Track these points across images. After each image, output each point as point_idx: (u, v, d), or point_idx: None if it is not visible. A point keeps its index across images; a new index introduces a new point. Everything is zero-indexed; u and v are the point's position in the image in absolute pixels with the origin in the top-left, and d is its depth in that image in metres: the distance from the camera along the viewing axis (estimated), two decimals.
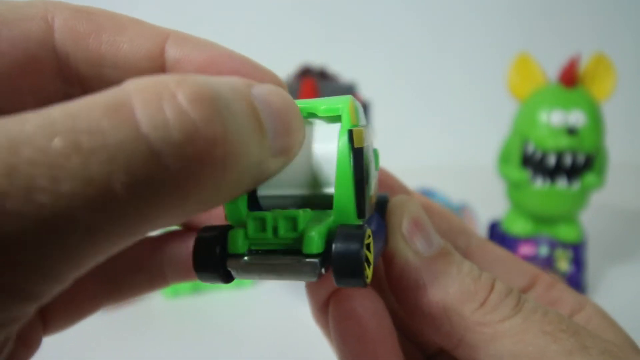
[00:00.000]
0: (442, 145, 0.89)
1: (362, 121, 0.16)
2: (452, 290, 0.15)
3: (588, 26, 0.92)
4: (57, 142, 0.09)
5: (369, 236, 0.14)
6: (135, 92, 0.10)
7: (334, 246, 0.13)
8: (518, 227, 0.50)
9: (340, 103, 0.15)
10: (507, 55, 0.52)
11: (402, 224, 0.16)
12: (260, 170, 0.12)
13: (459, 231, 0.19)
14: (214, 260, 0.14)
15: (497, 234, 0.51)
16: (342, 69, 0.58)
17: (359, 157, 0.14)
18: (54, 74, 0.15)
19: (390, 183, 0.19)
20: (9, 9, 0.14)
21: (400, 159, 0.53)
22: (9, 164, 0.08)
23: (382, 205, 0.18)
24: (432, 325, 0.15)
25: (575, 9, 0.93)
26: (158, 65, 0.15)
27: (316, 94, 0.49)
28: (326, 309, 0.18)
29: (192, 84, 0.10)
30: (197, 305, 0.47)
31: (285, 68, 0.57)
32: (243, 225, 0.14)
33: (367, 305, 0.16)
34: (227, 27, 0.93)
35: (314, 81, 0.50)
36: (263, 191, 0.15)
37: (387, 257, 0.16)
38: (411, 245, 0.16)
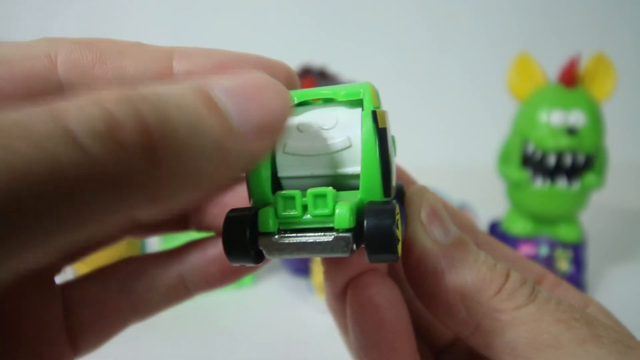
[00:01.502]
0: (442, 145, 0.89)
1: (382, 104, 0.16)
2: (469, 278, 0.15)
3: (588, 26, 0.92)
4: None
5: (398, 212, 0.14)
6: (68, 99, 0.10)
7: (365, 221, 0.13)
8: (518, 227, 0.50)
9: (360, 87, 0.15)
10: (507, 55, 0.52)
11: (421, 212, 0.16)
12: (226, 160, 0.11)
13: (467, 227, 0.19)
14: (245, 240, 0.13)
15: (497, 234, 0.51)
16: (342, 69, 0.58)
17: (383, 137, 0.14)
18: None
19: (402, 177, 0.20)
20: (13, 49, 0.14)
21: (400, 158, 0.53)
22: None
23: (399, 194, 0.18)
24: (449, 312, 0.16)
25: (575, 9, 0.93)
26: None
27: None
28: (343, 297, 0.18)
29: (123, 90, 0.10)
30: (197, 305, 0.47)
31: None
32: (270, 206, 0.14)
33: (385, 293, 0.17)
34: (227, 27, 0.93)
35: (314, 81, 0.50)
36: (284, 172, 0.15)
37: (405, 245, 0.17)
38: (429, 233, 0.16)
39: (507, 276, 0.16)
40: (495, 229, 0.52)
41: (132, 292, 0.19)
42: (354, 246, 0.13)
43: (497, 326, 0.15)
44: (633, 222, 0.67)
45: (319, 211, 0.13)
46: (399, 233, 0.14)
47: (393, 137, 0.17)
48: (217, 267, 0.19)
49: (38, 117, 0.09)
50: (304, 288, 0.49)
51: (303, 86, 0.52)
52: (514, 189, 0.50)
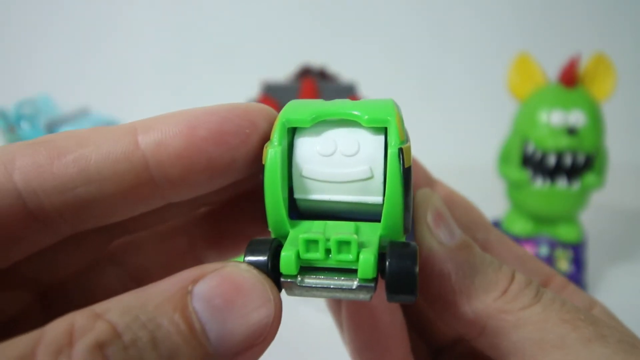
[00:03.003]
0: (442, 145, 0.89)
1: (405, 129, 0.16)
2: (475, 280, 0.16)
3: (588, 26, 0.92)
4: None
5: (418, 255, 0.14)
6: (42, 346, 0.10)
7: (388, 265, 0.13)
8: (518, 227, 0.50)
9: (386, 113, 0.14)
10: (507, 55, 0.52)
11: (428, 215, 0.16)
12: None
13: (479, 224, 0.20)
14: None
15: None
16: (342, 69, 0.58)
17: (407, 177, 0.14)
18: (27, 218, 0.13)
19: (414, 170, 0.20)
20: None
21: None
22: None
23: None
24: (455, 314, 0.16)
25: (575, 9, 0.93)
26: (137, 160, 0.14)
27: (316, 94, 0.49)
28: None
29: (95, 331, 0.10)
30: None
31: (285, 68, 0.57)
32: (291, 241, 0.14)
33: (380, 297, 0.17)
34: (227, 28, 0.93)
35: (314, 81, 0.50)
36: (300, 195, 0.15)
37: None
38: (436, 236, 0.16)
39: (512, 278, 0.16)
40: None
41: None
42: (376, 289, 0.14)
43: (504, 327, 0.15)
44: (633, 222, 0.67)
45: (343, 257, 0.13)
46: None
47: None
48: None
49: None
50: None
51: (303, 86, 0.52)
52: (514, 189, 0.50)
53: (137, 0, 0.92)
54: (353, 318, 0.18)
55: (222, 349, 0.12)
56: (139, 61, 0.94)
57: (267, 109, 0.15)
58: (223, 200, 0.18)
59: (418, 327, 0.21)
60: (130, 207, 0.14)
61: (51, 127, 0.60)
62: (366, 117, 0.14)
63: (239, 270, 0.13)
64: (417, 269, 0.13)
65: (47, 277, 0.16)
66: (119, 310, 0.11)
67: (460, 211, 0.19)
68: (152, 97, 0.94)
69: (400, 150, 0.14)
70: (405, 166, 0.14)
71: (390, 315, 0.18)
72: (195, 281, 0.12)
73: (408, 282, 0.13)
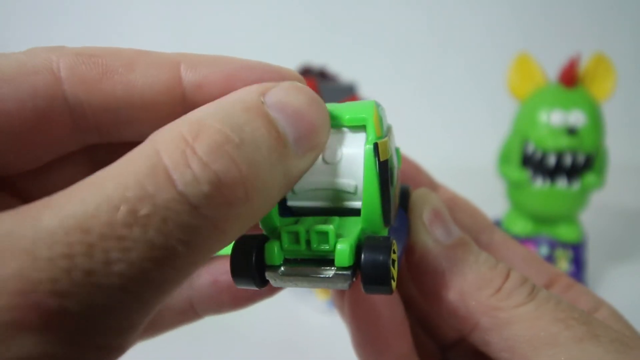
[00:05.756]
0: (442, 145, 0.89)
1: (385, 125, 0.16)
2: (469, 277, 0.16)
3: (588, 26, 0.92)
4: (119, 215, 0.10)
5: (394, 250, 0.14)
6: (163, 151, 0.11)
7: (363, 257, 0.14)
8: (518, 227, 0.50)
9: (364, 112, 0.15)
10: (507, 55, 0.52)
11: (423, 213, 0.17)
12: (288, 178, 0.13)
13: (483, 226, 0.20)
14: (251, 270, 0.15)
15: None
16: (342, 69, 0.58)
17: (384, 170, 0.14)
18: (69, 125, 0.14)
19: (415, 175, 0.20)
20: (11, 63, 0.13)
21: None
22: (87, 243, 0.10)
23: (404, 197, 0.18)
24: (449, 309, 0.16)
25: (575, 9, 0.93)
26: (177, 95, 0.14)
27: (316, 94, 0.49)
28: (343, 293, 0.19)
29: (207, 134, 0.11)
30: None
31: None
32: (276, 234, 0.15)
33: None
34: (227, 28, 0.93)
35: (314, 81, 0.50)
36: (292, 202, 0.16)
37: (409, 246, 0.17)
38: (431, 234, 0.17)
39: (507, 276, 0.16)
40: None
41: None
42: (353, 279, 0.14)
43: (496, 324, 0.15)
44: (633, 222, 0.67)
45: (322, 246, 0.14)
46: (394, 271, 0.14)
47: (397, 150, 0.17)
48: (228, 296, 0.19)
49: (151, 180, 0.10)
50: (304, 289, 0.49)
51: None
52: (514, 189, 0.50)
53: (137, 0, 0.92)
54: (354, 312, 0.18)
55: (300, 152, 0.13)
56: None
57: (296, 74, 0.16)
58: None
59: (426, 325, 0.22)
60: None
61: None
62: (347, 116, 0.15)
63: (297, 85, 0.14)
64: (389, 261, 0.14)
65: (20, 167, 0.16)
66: (216, 118, 0.12)
67: (464, 214, 0.20)
68: None
69: (376, 145, 0.14)
70: (381, 159, 0.14)
71: (390, 310, 0.18)
72: (264, 93, 0.13)
73: (381, 274, 0.14)
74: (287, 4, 0.93)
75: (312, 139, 0.13)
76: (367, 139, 0.15)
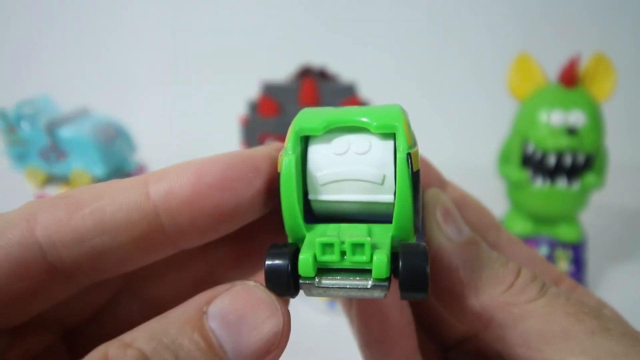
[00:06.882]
0: (442, 145, 0.89)
1: (411, 130, 0.16)
2: (482, 274, 0.16)
3: (588, 26, 0.92)
4: None
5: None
6: None
7: (401, 266, 0.14)
8: (518, 227, 0.50)
9: (394, 119, 0.15)
10: (507, 55, 0.52)
11: (437, 212, 0.17)
12: None
13: (490, 225, 0.20)
14: (288, 283, 0.14)
15: None
16: (342, 69, 0.58)
17: (416, 180, 0.15)
18: (48, 271, 0.14)
19: (427, 171, 0.20)
20: None
21: None
22: None
23: None
24: (463, 307, 0.16)
25: (575, 9, 0.93)
26: (148, 210, 0.14)
27: (316, 94, 0.49)
28: None
29: (131, 356, 0.12)
30: None
31: (285, 68, 0.57)
32: (308, 244, 0.15)
33: (390, 295, 0.17)
34: (227, 28, 0.93)
35: (314, 81, 0.50)
36: (315, 196, 0.16)
37: None
38: (444, 232, 0.17)
39: (519, 273, 0.16)
40: None
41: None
42: (389, 288, 0.14)
43: (510, 319, 0.15)
44: (633, 222, 0.67)
45: (357, 258, 0.14)
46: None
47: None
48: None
49: None
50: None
51: (303, 86, 0.52)
52: (514, 189, 0.50)
53: (137, 0, 0.92)
54: (363, 314, 0.18)
55: (241, 354, 0.13)
56: (139, 61, 0.94)
57: (270, 153, 0.16)
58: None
59: (427, 327, 0.22)
60: (143, 256, 0.15)
61: (51, 127, 0.60)
62: (375, 123, 0.15)
63: (247, 287, 0.14)
64: (428, 268, 0.14)
65: (69, 319, 0.17)
66: (146, 337, 0.12)
67: (471, 212, 0.20)
68: (152, 97, 0.94)
69: (409, 155, 0.14)
70: (414, 170, 0.14)
71: (399, 312, 0.18)
72: (208, 302, 0.13)
73: (420, 280, 0.14)
74: (287, 4, 0.93)
75: (257, 349, 0.13)
76: (398, 148, 0.15)
